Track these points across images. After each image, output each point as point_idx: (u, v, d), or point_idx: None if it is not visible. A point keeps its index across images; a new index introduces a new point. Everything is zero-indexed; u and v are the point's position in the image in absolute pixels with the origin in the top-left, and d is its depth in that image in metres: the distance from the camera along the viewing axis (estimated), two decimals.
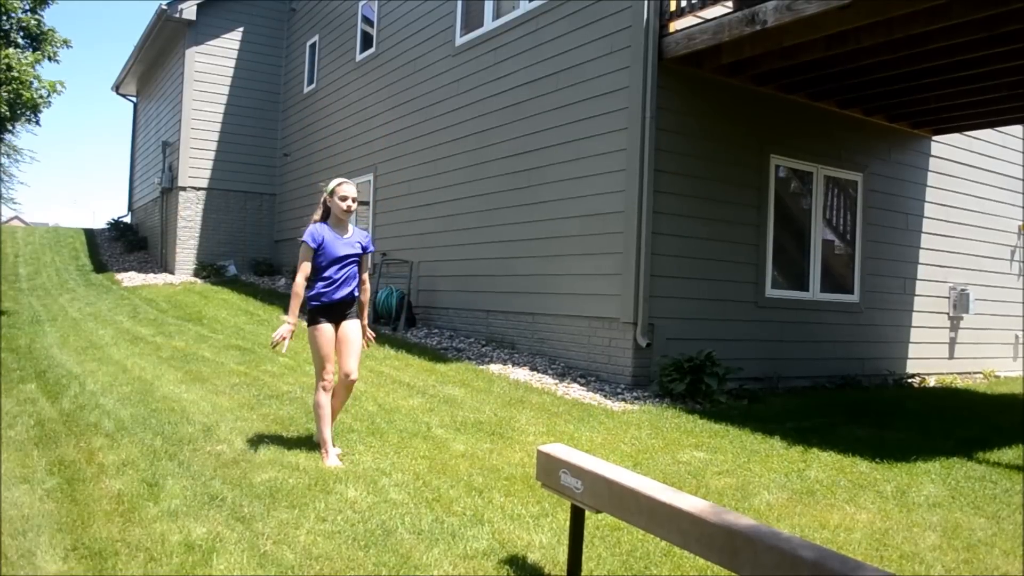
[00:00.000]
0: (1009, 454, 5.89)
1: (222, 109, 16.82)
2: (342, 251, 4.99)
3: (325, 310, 4.95)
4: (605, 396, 7.44)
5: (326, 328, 4.95)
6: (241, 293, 13.75)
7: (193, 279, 15.81)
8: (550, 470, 3.33)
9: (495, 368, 8.43)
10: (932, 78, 8.26)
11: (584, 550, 3.37)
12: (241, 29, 16.96)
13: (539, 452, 3.43)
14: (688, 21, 7.82)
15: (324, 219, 5.05)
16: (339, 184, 5.04)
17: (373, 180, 13.34)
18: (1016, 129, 11.76)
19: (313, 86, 16.04)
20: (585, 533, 3.38)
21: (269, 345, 4.57)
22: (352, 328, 5.06)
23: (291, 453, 4.96)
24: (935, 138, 10.81)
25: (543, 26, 9.30)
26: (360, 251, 5.09)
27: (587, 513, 3.22)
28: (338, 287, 4.98)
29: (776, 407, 7.45)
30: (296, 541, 3.56)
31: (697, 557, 2.79)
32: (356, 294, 5.11)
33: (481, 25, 10.57)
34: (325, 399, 4.93)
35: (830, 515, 4.27)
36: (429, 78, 11.71)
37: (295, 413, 6.03)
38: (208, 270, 16.06)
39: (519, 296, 9.53)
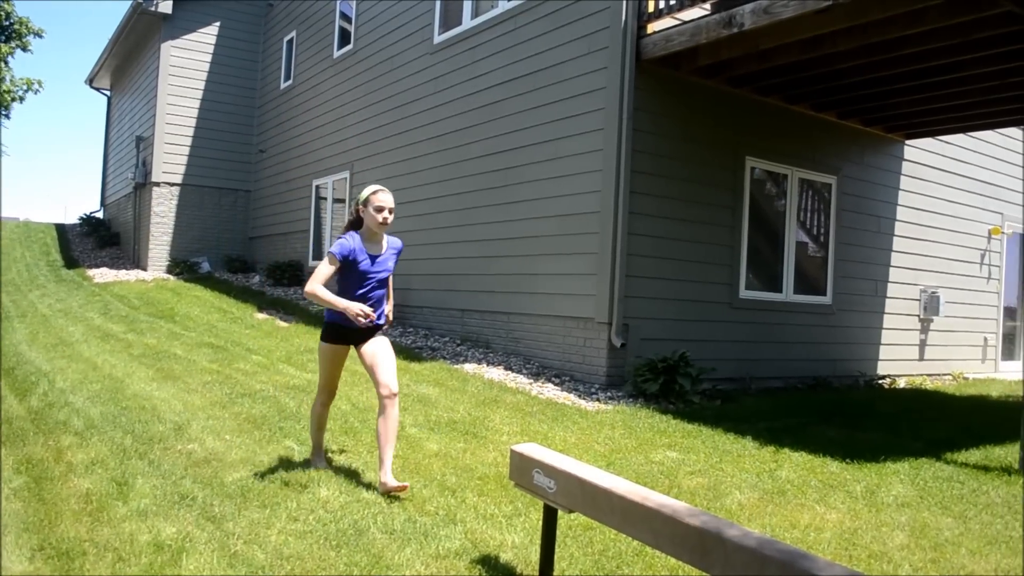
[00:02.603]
0: (976, 455, 5.97)
1: (197, 104, 16.67)
2: (372, 271, 4.49)
3: (341, 332, 4.51)
4: (579, 396, 7.46)
5: (336, 351, 4.57)
6: (214, 290, 13.64)
7: (166, 276, 15.66)
8: (523, 470, 3.34)
9: (470, 367, 8.42)
10: (906, 83, 8.35)
11: (556, 550, 3.37)
12: (218, 24, 16.82)
13: (512, 452, 3.43)
14: (666, 23, 7.85)
15: (355, 228, 4.53)
16: (374, 192, 4.46)
17: (349, 178, 13.28)
18: (988, 134, 11.91)
19: (290, 82, 15.94)
20: (558, 533, 3.39)
21: (362, 316, 4.14)
22: (379, 344, 4.54)
23: (263, 452, 4.93)
24: (908, 142, 10.93)
25: (521, 25, 9.30)
26: (392, 266, 4.65)
27: (560, 513, 3.22)
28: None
29: (749, 407, 7.51)
30: (267, 541, 3.54)
31: (669, 556, 2.80)
32: (380, 322, 4.63)
33: (459, 24, 10.55)
34: (321, 408, 4.72)
35: (801, 515, 4.31)
36: (406, 76, 11.67)
37: (268, 412, 5.99)
38: (181, 267, 15.92)
39: (495, 295, 9.53)
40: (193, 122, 16.62)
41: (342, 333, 4.51)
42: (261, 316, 11.33)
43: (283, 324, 10.79)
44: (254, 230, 17.31)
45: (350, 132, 13.32)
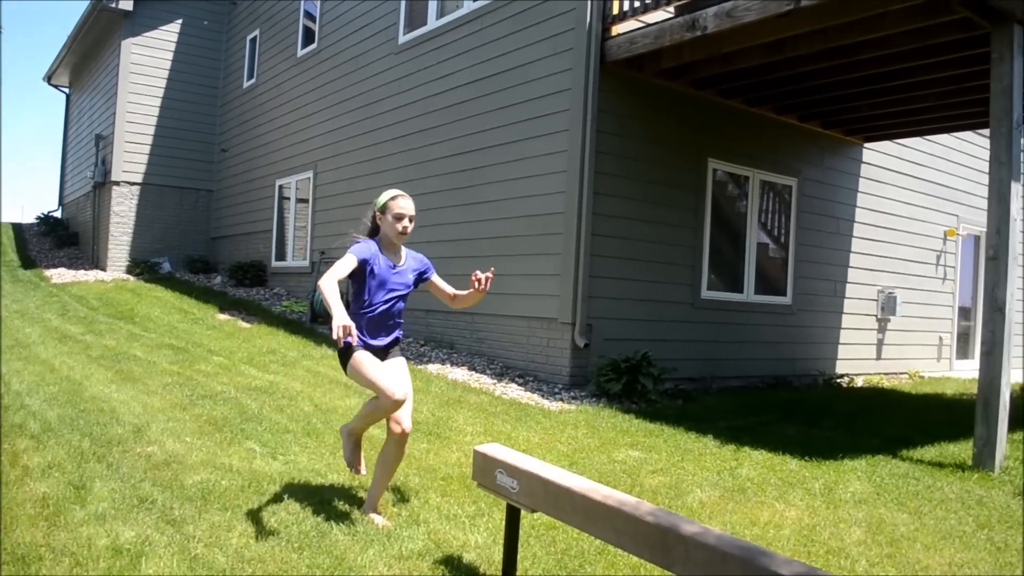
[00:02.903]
0: (931, 452, 6.10)
1: (158, 102, 16.43)
2: (392, 282, 4.04)
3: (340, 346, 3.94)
4: (543, 396, 7.49)
5: (366, 352, 3.99)
6: (175, 291, 13.47)
7: (126, 276, 15.43)
8: (486, 470, 3.34)
9: (433, 368, 8.42)
10: (865, 87, 8.50)
11: (519, 549, 3.39)
12: (180, 21, 16.61)
13: (475, 452, 3.44)
14: (630, 25, 7.91)
15: (372, 237, 4.10)
16: (393, 198, 4.02)
17: (313, 178, 13.19)
18: (944, 138, 12.15)
19: (253, 81, 15.79)
20: (521, 532, 3.40)
21: (339, 342, 3.62)
22: (396, 366, 4.08)
23: (224, 454, 4.89)
24: (866, 145, 11.12)
25: (487, 26, 9.31)
26: (412, 286, 4.17)
27: (523, 512, 3.24)
28: (378, 328, 4.05)
29: (710, 407, 7.59)
30: (228, 544, 3.51)
31: (631, 555, 2.83)
32: (398, 337, 4.22)
33: (424, 24, 10.54)
34: (380, 414, 3.99)
35: (760, 512, 4.37)
36: (371, 76, 11.63)
37: (229, 414, 5.93)
38: (141, 267, 15.69)
39: None
40: (154, 121, 16.39)
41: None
42: (223, 317, 11.22)
43: (245, 325, 10.69)
44: (216, 230, 17.12)
45: (314, 132, 13.24)
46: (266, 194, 14.98)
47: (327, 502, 4.12)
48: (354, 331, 3.66)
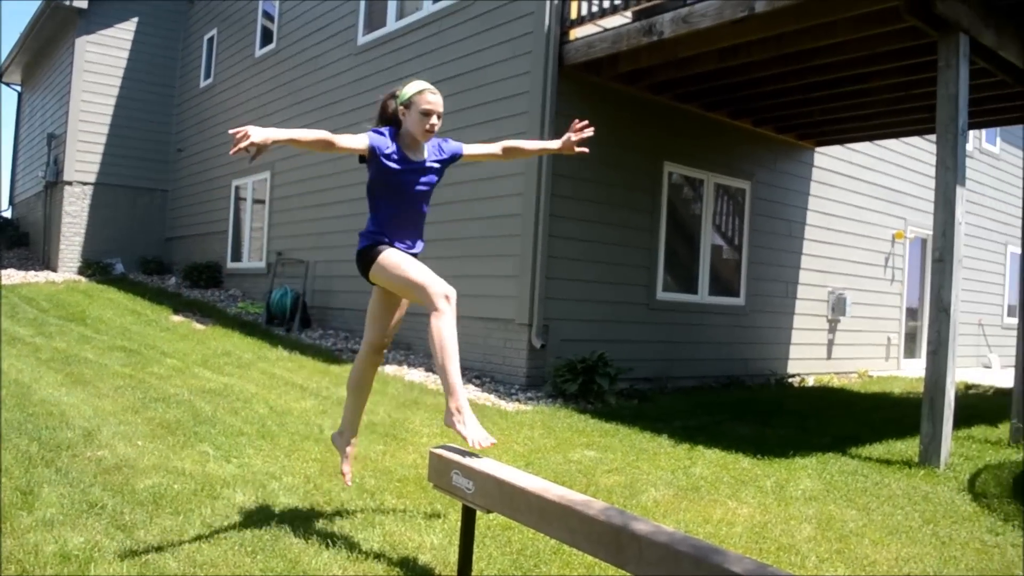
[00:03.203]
0: (879, 449, 6.23)
1: (113, 101, 16.15)
2: (409, 181, 3.56)
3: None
4: (500, 397, 7.52)
5: (395, 250, 3.54)
6: (128, 292, 13.25)
7: (78, 277, 15.14)
8: (442, 471, 3.34)
9: (390, 369, 8.40)
10: (817, 92, 8.66)
11: (475, 550, 3.39)
12: (136, 20, 16.35)
13: (431, 453, 3.44)
14: (588, 29, 7.98)
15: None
16: (421, 91, 3.53)
17: (270, 178, 13.09)
18: (892, 143, 12.42)
19: (210, 80, 15.61)
20: (476, 533, 3.41)
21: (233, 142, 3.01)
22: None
23: (177, 458, 4.83)
24: (818, 149, 11.33)
25: (447, 28, 9.32)
26: (439, 177, 3.72)
27: (478, 513, 3.24)
28: (400, 230, 3.59)
29: (665, 406, 7.68)
30: (180, 549, 3.47)
31: (585, 554, 2.86)
32: (416, 251, 3.70)
33: (384, 25, 10.51)
34: (373, 354, 3.79)
35: (714, 510, 4.43)
36: (330, 76, 11.57)
37: (182, 416, 5.86)
38: (94, 268, 15.41)
39: None
40: (108, 120, 16.12)
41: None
42: (177, 319, 11.07)
43: (200, 327, 10.56)
44: (171, 231, 16.88)
45: None
46: (222, 195, 14.81)
47: (281, 505, 4.09)
48: (253, 139, 3.03)
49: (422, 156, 3.61)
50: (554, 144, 3.95)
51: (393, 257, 3.47)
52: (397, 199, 3.55)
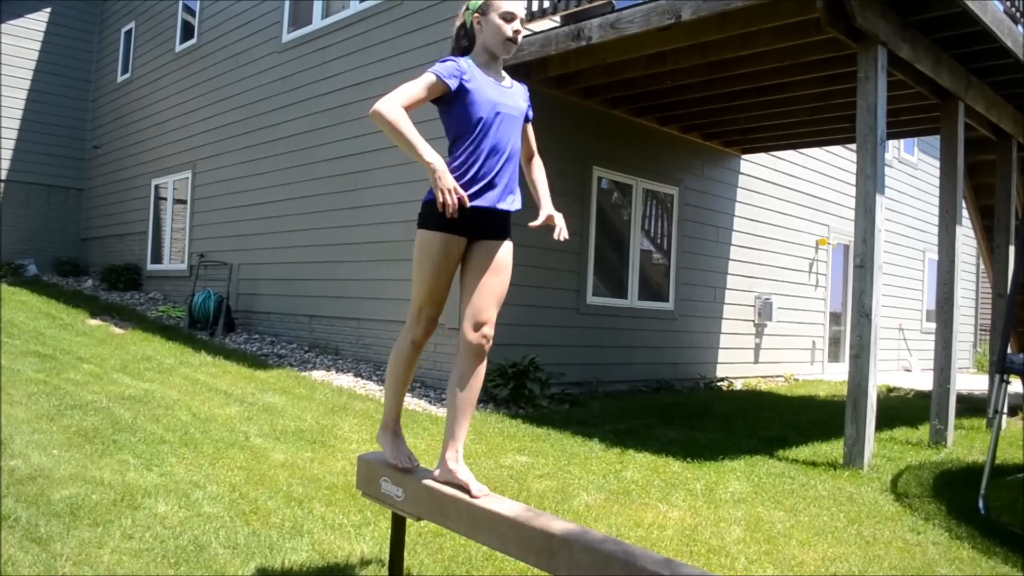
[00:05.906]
0: (805, 451, 6.34)
1: (24, 95, 15.51)
2: (502, 103, 2.94)
3: (453, 217, 2.82)
4: (430, 402, 7.42)
5: (449, 244, 3.00)
6: (42, 295, 12.69)
7: None
8: (371, 479, 3.28)
9: (318, 375, 8.22)
10: (742, 100, 8.80)
11: (406, 557, 3.34)
12: (48, 10, 15.73)
13: (360, 460, 3.37)
14: None
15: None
16: None
17: (191, 178, 12.71)
18: (815, 151, 12.74)
19: (128, 75, 15.10)
20: (407, 540, 3.35)
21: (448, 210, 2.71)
22: (502, 257, 3.12)
23: (95, 467, 4.61)
24: (744, 157, 11.53)
25: (373, 28, 9.18)
26: (527, 112, 3.12)
27: (408, 521, 3.18)
28: (490, 177, 2.95)
29: (596, 411, 7.69)
30: (99, 561, 3.31)
31: (517, 560, 2.81)
32: (515, 204, 3.11)
33: (310, 23, 10.31)
34: (412, 349, 3.21)
35: (645, 513, 4.43)
36: (253, 74, 11.30)
37: (100, 424, 5.61)
38: (5, 269, 14.74)
39: (344, 301, 9.35)
40: (19, 114, 15.46)
41: (454, 221, 2.91)
42: (94, 322, 10.65)
43: (118, 331, 10.18)
44: (87, 231, 16.27)
45: (193, 130, 12.75)
46: (142, 194, 14.33)
47: (205, 514, 3.94)
48: (460, 191, 2.66)
49: (507, 80, 3.06)
50: (542, 207, 3.38)
51: (427, 248, 3.14)
52: (486, 127, 2.94)
